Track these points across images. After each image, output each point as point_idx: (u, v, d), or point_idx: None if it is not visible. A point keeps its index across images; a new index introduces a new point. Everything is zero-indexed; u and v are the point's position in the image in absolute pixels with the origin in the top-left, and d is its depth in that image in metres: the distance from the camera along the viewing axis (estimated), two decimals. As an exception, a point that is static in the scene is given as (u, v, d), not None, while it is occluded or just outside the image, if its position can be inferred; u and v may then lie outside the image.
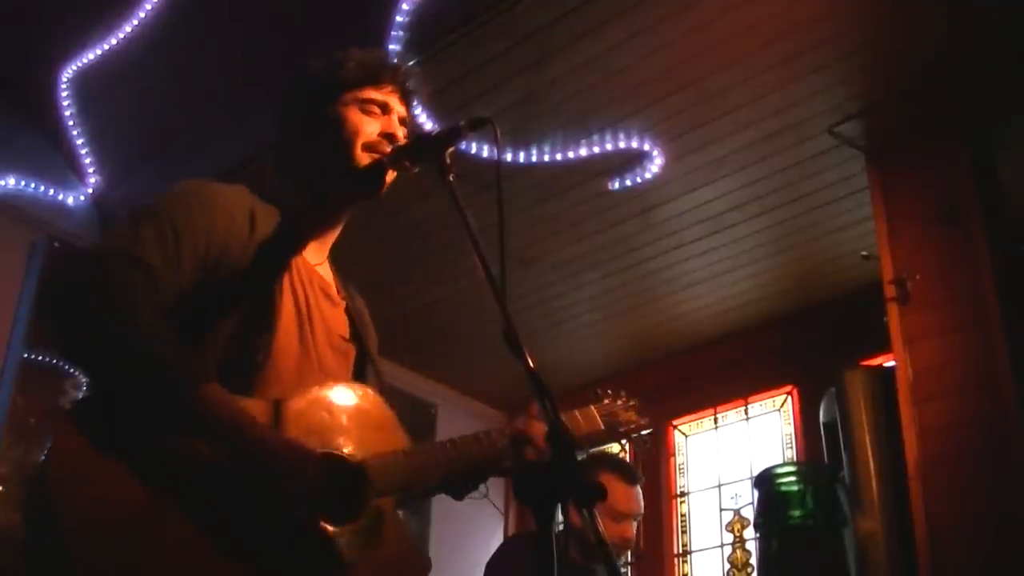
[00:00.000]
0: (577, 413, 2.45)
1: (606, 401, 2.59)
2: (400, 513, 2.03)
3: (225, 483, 1.76)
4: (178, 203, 1.98)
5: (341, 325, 2.20)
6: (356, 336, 2.24)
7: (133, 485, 1.71)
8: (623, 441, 2.49)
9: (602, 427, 2.47)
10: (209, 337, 1.91)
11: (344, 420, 1.98)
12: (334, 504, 1.83)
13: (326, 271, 2.23)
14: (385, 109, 2.21)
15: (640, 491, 4.26)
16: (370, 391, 2.11)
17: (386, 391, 2.23)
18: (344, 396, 2.02)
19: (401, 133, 2.19)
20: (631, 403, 2.61)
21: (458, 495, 2.24)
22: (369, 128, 2.16)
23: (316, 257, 2.19)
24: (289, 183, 2.21)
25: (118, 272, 1.82)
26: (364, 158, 2.16)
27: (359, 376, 2.21)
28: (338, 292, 2.23)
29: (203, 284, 1.92)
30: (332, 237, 2.25)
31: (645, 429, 2.58)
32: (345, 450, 1.92)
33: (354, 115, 2.17)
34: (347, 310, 2.24)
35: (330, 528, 1.82)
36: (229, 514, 1.76)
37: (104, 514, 1.68)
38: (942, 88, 4.32)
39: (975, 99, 4.36)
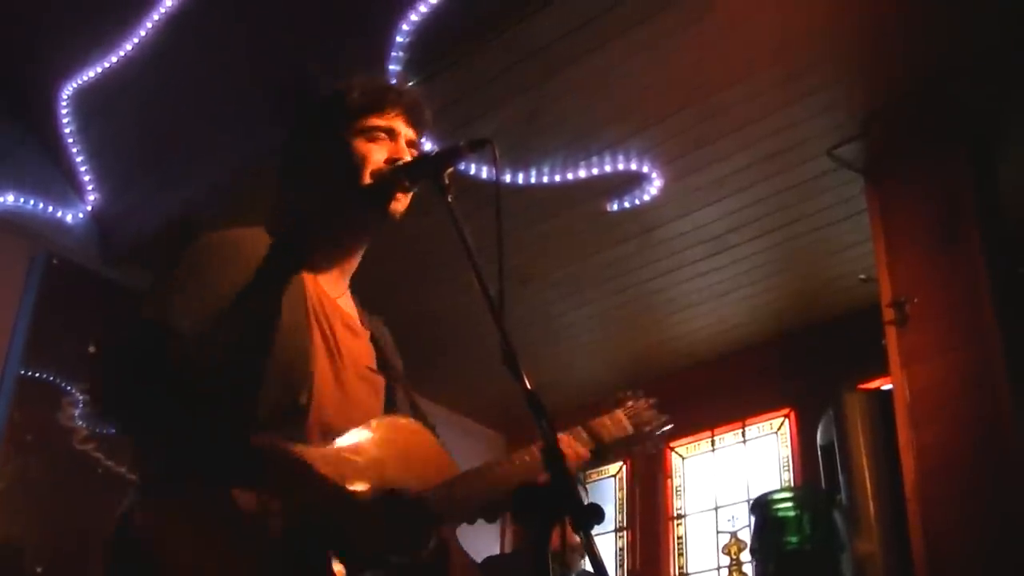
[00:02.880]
0: (606, 419, 2.49)
1: (630, 404, 2.57)
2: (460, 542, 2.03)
3: (294, 533, 1.77)
4: (201, 261, 2.01)
5: (367, 356, 2.20)
6: (383, 365, 2.23)
7: (224, 548, 1.74)
8: (640, 445, 2.48)
9: (631, 430, 2.49)
10: (254, 385, 1.92)
11: (395, 454, 1.99)
12: (398, 539, 1.86)
13: (347, 303, 2.23)
14: (392, 135, 2.20)
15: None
16: (412, 422, 2.13)
17: (423, 415, 2.23)
18: (390, 430, 2.05)
19: (409, 156, 2.18)
20: (651, 401, 2.59)
21: (492, 518, 2.17)
22: (376, 156, 2.15)
23: (336, 290, 2.19)
24: (298, 216, 2.20)
25: (153, 348, 1.86)
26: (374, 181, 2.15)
27: (391, 404, 2.20)
28: (361, 323, 2.24)
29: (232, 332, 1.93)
30: (351, 269, 2.25)
31: (668, 426, 2.57)
32: (403, 484, 1.92)
33: (360, 145, 2.16)
34: (372, 339, 2.24)
35: (393, 559, 1.84)
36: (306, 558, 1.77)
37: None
38: (940, 110, 4.33)
39: (973, 121, 4.37)
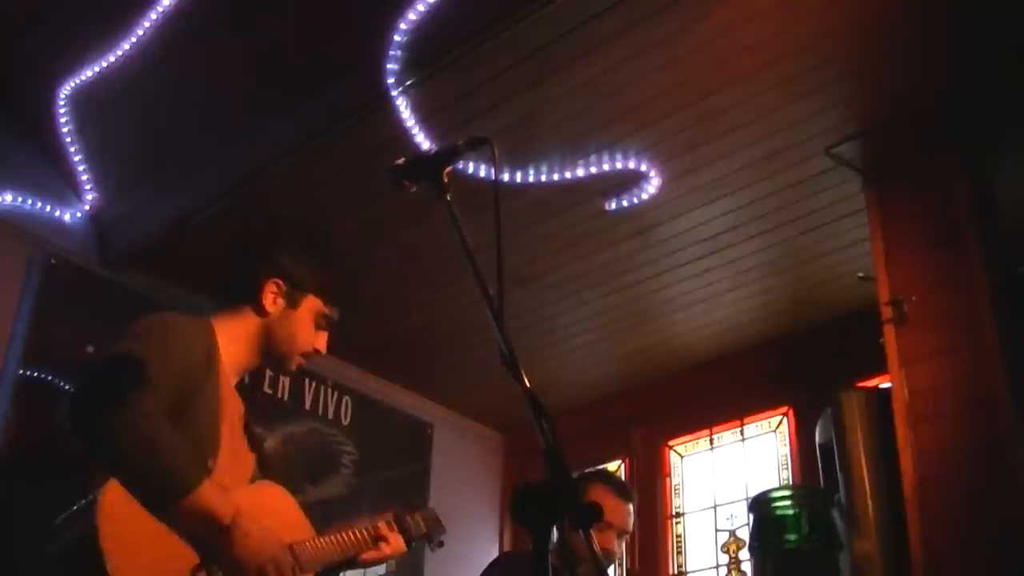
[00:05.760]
0: (415, 517, 3.19)
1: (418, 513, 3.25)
2: None
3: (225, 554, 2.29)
4: (153, 334, 2.44)
5: (240, 439, 2.68)
6: (255, 448, 2.74)
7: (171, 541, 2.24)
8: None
9: (424, 530, 3.24)
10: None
11: (272, 514, 2.49)
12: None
13: (239, 400, 2.70)
14: (328, 326, 2.79)
15: (631, 509, 4.25)
16: (280, 488, 2.66)
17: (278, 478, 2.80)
18: (266, 494, 2.59)
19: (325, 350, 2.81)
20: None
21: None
22: (311, 340, 2.74)
23: (232, 383, 2.67)
24: (232, 320, 2.68)
25: (129, 392, 2.24)
26: (295, 364, 2.75)
27: (261, 469, 2.73)
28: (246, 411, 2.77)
29: (179, 401, 2.37)
30: (245, 373, 2.75)
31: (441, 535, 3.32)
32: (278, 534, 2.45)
33: (309, 324, 2.73)
34: (246, 428, 2.73)
35: None
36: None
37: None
38: (940, 109, 4.34)
39: (973, 120, 4.38)
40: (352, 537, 2.78)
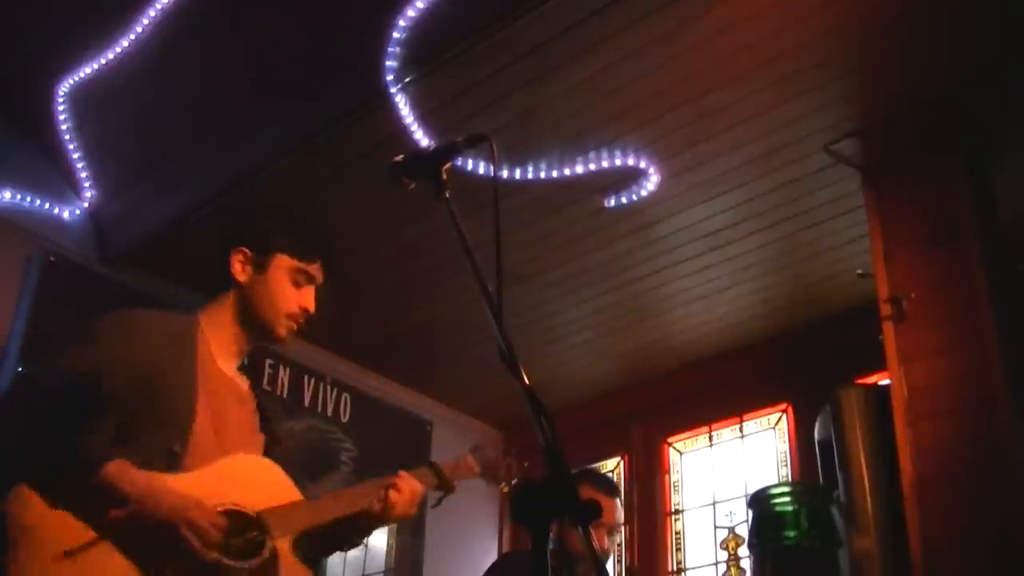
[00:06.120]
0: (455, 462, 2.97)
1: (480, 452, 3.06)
2: (297, 554, 2.46)
3: (137, 529, 2.21)
4: (105, 333, 2.46)
5: (251, 418, 2.65)
6: (266, 428, 2.68)
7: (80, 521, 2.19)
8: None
9: (478, 471, 2.99)
10: (140, 430, 2.36)
11: (244, 483, 2.42)
12: (234, 545, 2.28)
13: (239, 377, 2.67)
14: (311, 281, 2.68)
15: (619, 503, 4.27)
16: (264, 460, 2.56)
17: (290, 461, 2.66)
18: (242, 466, 2.48)
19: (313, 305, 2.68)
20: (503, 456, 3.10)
21: (344, 546, 2.72)
22: (293, 299, 2.63)
23: (230, 367, 2.63)
24: (215, 306, 2.65)
25: (49, 400, 2.31)
26: (282, 327, 2.63)
27: (268, 454, 2.62)
28: (251, 390, 2.70)
29: (134, 394, 2.36)
30: (242, 352, 2.69)
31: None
32: (246, 504, 2.37)
33: (284, 283, 2.63)
34: (259, 407, 2.69)
35: (229, 563, 2.26)
36: (147, 552, 2.21)
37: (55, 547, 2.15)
38: (939, 107, 4.33)
39: (972, 118, 4.38)
40: (353, 494, 2.66)
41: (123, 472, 2.23)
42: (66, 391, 2.32)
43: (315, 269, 2.69)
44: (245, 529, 2.33)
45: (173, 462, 2.33)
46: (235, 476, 2.41)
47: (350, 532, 2.65)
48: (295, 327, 2.66)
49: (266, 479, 2.49)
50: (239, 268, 2.62)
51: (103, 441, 2.30)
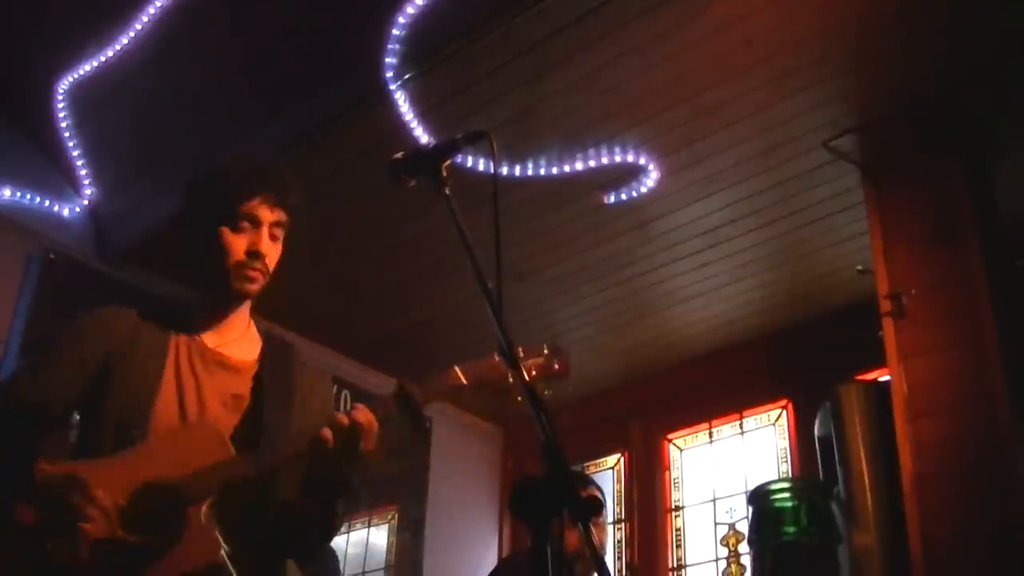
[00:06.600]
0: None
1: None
2: (210, 520, 2.27)
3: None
4: (58, 336, 2.53)
5: (239, 386, 2.49)
6: (257, 394, 2.49)
7: None
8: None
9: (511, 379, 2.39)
10: (99, 423, 2.34)
11: (176, 453, 2.30)
12: (137, 518, 2.21)
13: (236, 346, 2.55)
14: (254, 222, 2.48)
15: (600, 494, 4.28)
16: (211, 426, 2.38)
17: (289, 434, 2.45)
18: (183, 436, 2.37)
19: (267, 246, 2.48)
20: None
21: (326, 503, 2.45)
22: (235, 249, 2.46)
23: (216, 340, 2.53)
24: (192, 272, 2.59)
25: None
26: (235, 280, 2.47)
27: (253, 423, 2.44)
28: (259, 359, 2.56)
29: (93, 388, 2.37)
30: (230, 321, 2.57)
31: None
32: (165, 477, 2.25)
33: (224, 237, 2.47)
34: (256, 376, 2.52)
35: (128, 537, 2.19)
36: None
37: None
38: (938, 103, 4.33)
39: (972, 115, 4.38)
40: (293, 438, 2.36)
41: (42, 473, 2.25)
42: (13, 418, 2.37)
43: (253, 207, 2.47)
44: (158, 501, 2.22)
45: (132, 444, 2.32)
46: (168, 449, 2.32)
47: (318, 488, 2.38)
48: (250, 273, 2.46)
49: (201, 446, 2.31)
50: (191, 240, 2.55)
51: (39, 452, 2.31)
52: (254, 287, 2.50)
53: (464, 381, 2.54)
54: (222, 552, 2.24)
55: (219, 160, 2.63)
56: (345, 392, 6.28)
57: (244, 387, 2.49)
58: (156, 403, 2.37)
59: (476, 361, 2.50)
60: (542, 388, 2.42)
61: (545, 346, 2.45)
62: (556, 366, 2.45)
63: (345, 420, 2.28)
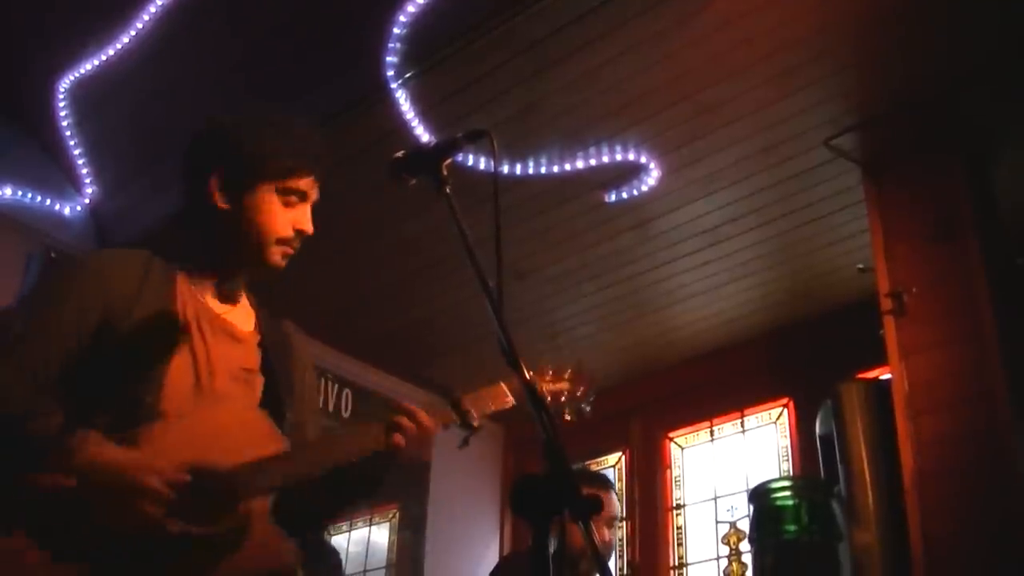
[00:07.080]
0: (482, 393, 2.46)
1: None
2: (273, 516, 2.11)
3: (75, 506, 1.94)
4: (50, 286, 2.25)
5: (247, 359, 2.31)
6: (268, 367, 2.34)
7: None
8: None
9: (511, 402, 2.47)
10: (104, 385, 2.09)
11: (219, 436, 2.11)
12: (196, 508, 1.98)
13: (238, 314, 2.36)
14: (303, 198, 2.36)
15: (615, 496, 4.28)
16: (249, 409, 2.23)
17: (304, 409, 2.36)
18: (222, 417, 2.17)
19: (310, 225, 2.35)
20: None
21: (349, 502, 2.34)
22: (283, 222, 2.30)
23: (222, 306, 2.33)
24: (192, 238, 2.38)
25: None
26: (276, 253, 2.30)
27: (273, 400, 2.29)
28: (258, 330, 2.38)
29: (95, 345, 2.10)
30: (239, 290, 2.39)
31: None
32: (221, 460, 2.04)
33: (273, 206, 2.30)
34: (261, 345, 2.35)
35: (192, 529, 1.97)
36: (83, 537, 1.94)
37: None
38: (939, 102, 4.33)
39: (972, 113, 4.38)
40: (346, 439, 2.27)
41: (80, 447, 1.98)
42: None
43: (307, 184, 2.35)
44: (212, 489, 2.01)
45: (149, 413, 2.07)
46: (209, 429, 2.11)
47: (353, 483, 2.28)
48: (291, 251, 2.34)
49: (248, 432, 2.16)
50: (218, 194, 2.31)
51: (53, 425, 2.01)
52: (284, 265, 2.33)
53: (511, 400, 2.47)
54: (293, 556, 2.13)
55: (282, 118, 2.43)
56: (347, 391, 6.28)
57: (250, 359, 2.31)
58: (168, 367, 2.14)
59: (514, 377, 2.25)
60: (565, 413, 2.52)
61: (569, 368, 2.46)
62: (579, 393, 2.52)
63: (413, 427, 2.23)
